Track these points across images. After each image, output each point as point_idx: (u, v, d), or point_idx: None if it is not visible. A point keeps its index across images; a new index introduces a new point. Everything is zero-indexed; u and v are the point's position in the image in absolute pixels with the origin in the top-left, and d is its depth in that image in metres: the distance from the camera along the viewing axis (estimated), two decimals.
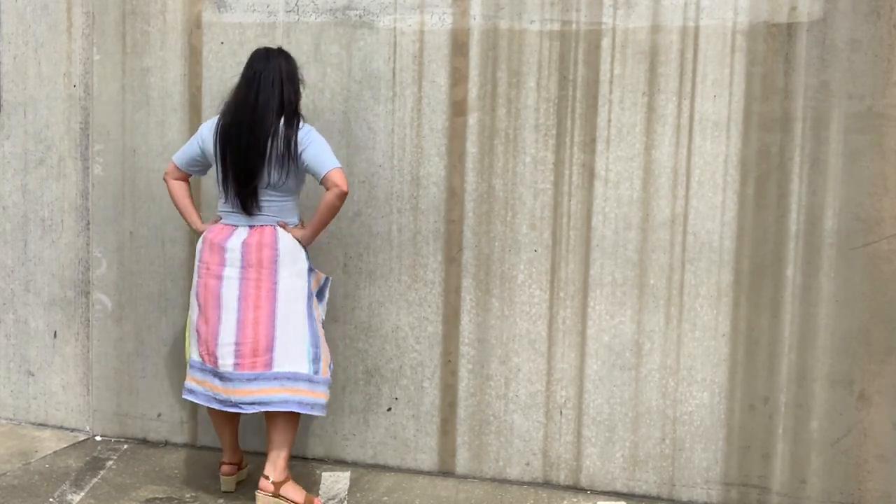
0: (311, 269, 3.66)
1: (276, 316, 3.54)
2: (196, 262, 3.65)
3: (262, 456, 4.04)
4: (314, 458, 4.14)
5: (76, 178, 4.33)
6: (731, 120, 3.66)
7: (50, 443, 4.28)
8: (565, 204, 3.83)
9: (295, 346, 3.56)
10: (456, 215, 3.93)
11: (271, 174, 3.53)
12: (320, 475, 3.99)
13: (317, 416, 4.02)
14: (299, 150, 3.51)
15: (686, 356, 3.77)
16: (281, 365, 3.54)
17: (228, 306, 3.55)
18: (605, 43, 3.74)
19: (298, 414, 3.60)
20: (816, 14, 3.55)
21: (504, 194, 3.87)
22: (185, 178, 3.74)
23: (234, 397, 3.54)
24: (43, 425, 4.48)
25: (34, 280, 4.44)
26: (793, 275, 3.64)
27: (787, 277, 3.65)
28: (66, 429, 4.44)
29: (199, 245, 3.66)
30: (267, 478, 3.53)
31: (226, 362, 3.54)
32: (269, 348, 3.54)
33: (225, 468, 3.79)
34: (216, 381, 3.58)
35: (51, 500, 3.68)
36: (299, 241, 3.62)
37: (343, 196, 3.49)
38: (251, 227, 3.59)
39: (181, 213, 3.75)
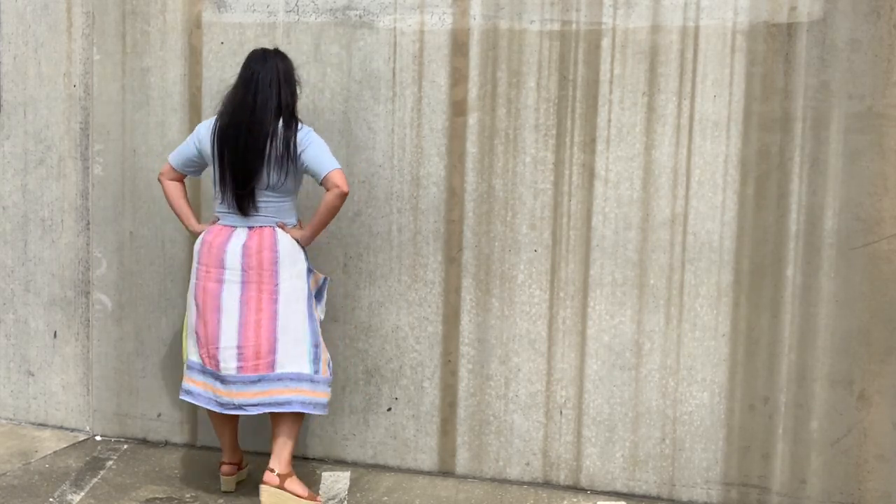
0: (309, 270, 3.66)
1: (278, 317, 3.55)
2: (194, 264, 3.64)
3: (262, 456, 4.04)
4: (314, 458, 4.14)
5: (76, 178, 4.33)
6: (731, 120, 3.66)
7: (50, 443, 4.28)
8: (565, 204, 3.83)
9: (296, 346, 3.57)
10: (456, 215, 3.93)
11: (270, 175, 3.53)
12: (320, 475, 3.99)
13: (317, 416, 4.03)
14: (298, 150, 3.52)
15: (686, 356, 3.77)
16: (283, 366, 3.55)
17: (229, 310, 3.55)
18: (605, 43, 3.74)
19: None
20: (816, 14, 3.55)
21: (504, 194, 3.87)
22: (181, 178, 3.74)
23: (238, 400, 3.55)
24: (43, 425, 4.49)
25: (34, 280, 4.44)
26: (793, 275, 3.65)
27: (787, 277, 3.65)
28: (66, 429, 4.44)
29: (197, 246, 3.65)
30: (272, 470, 3.53)
31: (228, 366, 3.54)
32: (272, 350, 3.54)
33: (225, 468, 3.79)
34: (217, 384, 3.58)
35: (51, 500, 3.68)
36: (298, 242, 3.62)
37: (343, 197, 3.50)
38: (250, 228, 3.59)
39: (177, 214, 3.75)
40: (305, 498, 3.57)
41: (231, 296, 3.55)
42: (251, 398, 3.55)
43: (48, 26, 4.31)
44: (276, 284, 3.55)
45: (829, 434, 3.66)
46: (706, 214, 3.70)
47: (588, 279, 3.83)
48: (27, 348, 4.49)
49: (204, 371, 3.62)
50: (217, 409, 3.61)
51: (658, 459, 3.83)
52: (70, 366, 4.42)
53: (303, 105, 3.94)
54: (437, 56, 3.88)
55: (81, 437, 4.36)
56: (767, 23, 3.60)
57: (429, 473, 4.04)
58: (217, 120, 3.60)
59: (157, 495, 3.75)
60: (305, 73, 3.97)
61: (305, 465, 4.05)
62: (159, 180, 3.75)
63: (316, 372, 3.59)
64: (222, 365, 3.55)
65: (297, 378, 3.55)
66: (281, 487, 3.52)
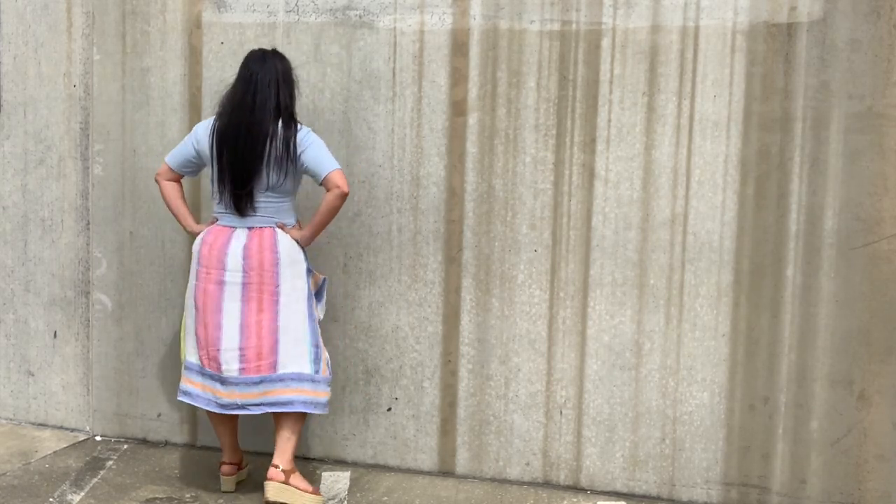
0: (309, 270, 3.67)
1: (279, 318, 3.56)
2: (194, 265, 3.64)
3: (262, 456, 4.05)
4: (314, 458, 4.14)
5: (76, 178, 4.33)
6: (731, 120, 3.66)
7: (50, 443, 4.28)
8: (565, 204, 3.83)
9: (297, 347, 3.58)
10: (456, 215, 3.93)
11: (269, 176, 3.54)
12: (320, 475, 3.99)
13: (317, 416, 4.04)
14: (298, 151, 3.53)
15: (686, 356, 3.77)
16: (285, 366, 3.56)
17: (230, 312, 3.55)
18: (605, 43, 3.74)
19: None
20: (816, 14, 3.55)
21: (504, 194, 3.87)
22: (178, 178, 3.74)
23: (240, 400, 3.57)
24: (43, 425, 4.49)
25: (34, 280, 4.44)
26: (793, 275, 3.65)
27: (787, 277, 3.65)
28: (66, 429, 4.44)
29: (196, 247, 3.65)
30: (276, 466, 3.55)
31: (230, 367, 3.55)
32: (274, 351, 3.55)
33: (225, 468, 3.79)
34: (218, 386, 3.59)
35: (51, 500, 3.68)
36: (298, 242, 3.63)
37: (344, 197, 3.51)
38: (250, 228, 3.59)
39: (175, 215, 3.75)
40: (310, 493, 3.59)
41: (232, 297, 3.55)
42: (254, 398, 3.57)
43: (48, 26, 4.31)
44: (277, 285, 3.55)
45: (829, 434, 3.66)
46: (706, 214, 3.70)
47: (588, 279, 3.83)
48: (27, 348, 4.49)
49: (202, 373, 3.62)
50: (218, 410, 3.62)
51: (658, 459, 3.83)
52: (70, 366, 4.42)
53: (303, 105, 3.94)
54: (437, 56, 3.88)
55: (81, 437, 4.36)
56: (767, 23, 3.60)
57: (429, 473, 4.04)
58: (216, 120, 3.60)
59: (157, 495, 3.75)
60: (305, 73, 3.98)
61: (306, 465, 4.05)
62: (156, 181, 3.75)
63: (316, 372, 3.61)
64: (224, 367, 3.56)
65: (298, 378, 3.57)
66: (286, 483, 3.54)
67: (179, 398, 3.71)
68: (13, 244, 4.46)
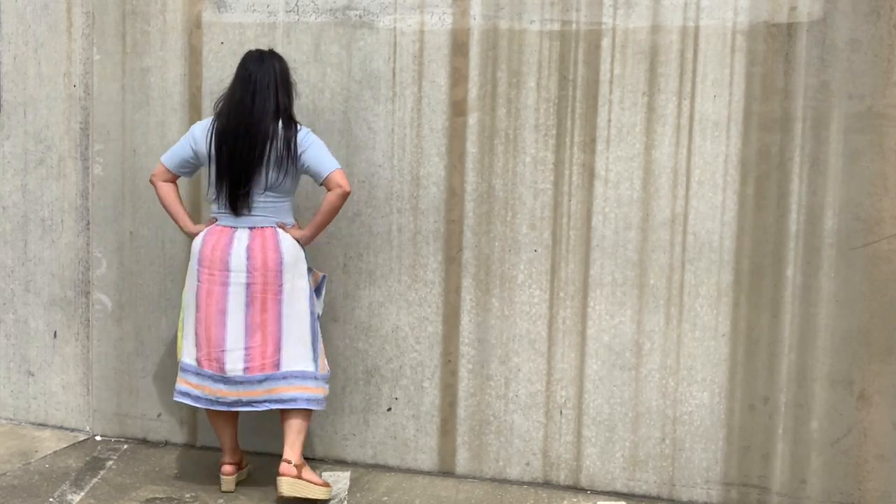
0: (309, 269, 3.69)
1: (283, 318, 3.60)
2: (194, 266, 3.64)
3: (262, 456, 4.05)
4: (314, 458, 4.14)
5: (76, 178, 4.33)
6: (731, 120, 3.66)
7: (50, 443, 4.28)
8: (565, 204, 3.83)
9: (300, 346, 3.62)
10: (456, 215, 3.93)
11: (269, 176, 3.55)
12: (320, 475, 3.99)
13: (317, 416, 4.04)
14: (299, 151, 3.55)
15: (686, 356, 3.77)
16: (288, 364, 3.61)
17: (235, 312, 3.57)
18: (605, 43, 3.74)
19: None
20: (816, 14, 3.55)
21: (504, 194, 3.87)
22: (174, 179, 3.74)
23: (246, 398, 3.61)
24: (43, 425, 4.48)
25: (34, 280, 4.44)
26: (793, 275, 3.64)
27: (787, 277, 3.65)
28: (66, 429, 4.44)
29: (196, 248, 3.65)
30: (289, 462, 3.59)
31: (235, 367, 3.57)
32: (278, 349, 3.59)
33: (225, 468, 3.79)
34: (220, 386, 3.61)
35: (51, 500, 3.68)
36: (299, 242, 3.64)
37: (346, 196, 3.55)
38: (251, 228, 3.61)
39: (172, 216, 3.75)
40: (321, 485, 3.65)
41: (236, 298, 3.57)
42: (258, 396, 3.61)
43: (48, 26, 4.31)
44: (281, 285, 3.58)
45: (829, 434, 3.66)
46: (706, 214, 3.70)
47: (588, 279, 3.83)
48: (27, 348, 4.49)
49: (199, 373, 3.63)
50: (220, 409, 3.64)
51: (658, 459, 3.83)
52: (70, 366, 4.42)
53: (303, 105, 3.95)
54: (437, 56, 3.88)
55: (81, 437, 4.36)
56: (767, 23, 3.60)
57: (429, 473, 4.04)
58: (214, 121, 3.61)
59: (157, 495, 3.75)
60: (305, 73, 3.98)
61: None
62: (152, 182, 3.75)
63: (316, 369, 3.66)
64: (228, 367, 3.57)
65: (301, 376, 3.61)
66: (298, 477, 3.59)
67: (176, 398, 3.71)
68: (13, 244, 4.46)
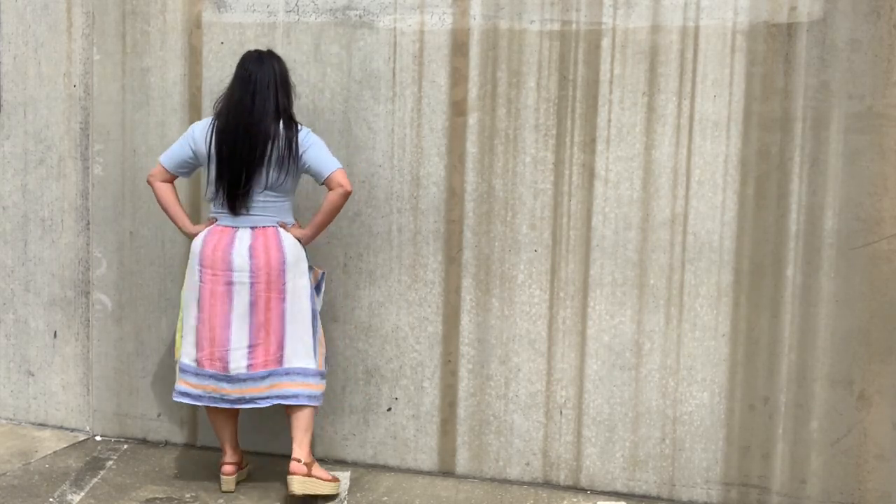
0: (309, 267, 3.71)
1: (286, 316, 3.62)
2: (195, 266, 3.64)
3: (263, 456, 4.05)
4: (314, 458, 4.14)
5: (76, 178, 4.33)
6: (731, 120, 3.66)
7: (50, 443, 4.28)
8: (565, 204, 3.83)
9: (303, 343, 3.66)
10: (456, 215, 3.93)
11: (269, 175, 3.57)
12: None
13: (316, 416, 4.04)
14: (300, 151, 3.56)
15: (686, 356, 3.77)
16: (291, 361, 3.64)
17: (240, 312, 3.59)
18: (605, 43, 3.74)
19: None
20: (816, 14, 3.55)
21: (504, 194, 3.87)
22: (172, 179, 3.74)
23: (249, 395, 3.64)
24: (43, 425, 4.48)
25: (34, 280, 4.44)
26: (793, 275, 3.64)
27: (787, 277, 3.65)
28: (66, 429, 4.44)
29: (196, 248, 3.65)
30: (298, 460, 3.61)
31: (239, 365, 3.59)
32: (281, 346, 3.63)
33: (226, 468, 3.79)
34: (223, 384, 3.62)
35: (51, 500, 3.68)
36: (300, 241, 3.66)
37: (347, 196, 3.58)
38: (252, 228, 3.62)
39: (171, 217, 3.75)
40: (330, 481, 3.70)
41: (240, 297, 3.59)
42: (261, 392, 3.64)
43: (48, 26, 4.31)
44: (284, 284, 3.60)
45: (829, 434, 3.66)
46: (706, 214, 3.70)
47: (588, 279, 3.83)
48: (27, 348, 4.49)
49: (198, 373, 3.64)
50: (225, 406, 3.66)
51: (658, 459, 3.83)
52: (70, 366, 4.42)
53: (303, 105, 3.95)
54: (437, 56, 3.88)
55: (81, 437, 4.36)
56: (767, 23, 3.60)
57: (429, 473, 4.04)
58: (214, 121, 3.62)
59: (157, 495, 3.75)
60: (305, 73, 3.98)
61: None
62: (149, 182, 3.74)
63: (316, 365, 3.69)
64: (232, 365, 3.59)
65: (303, 373, 3.65)
66: (309, 475, 3.62)
67: (176, 399, 3.71)
68: (13, 244, 4.46)
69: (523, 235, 3.87)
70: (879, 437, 3.61)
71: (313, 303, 3.70)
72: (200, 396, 3.66)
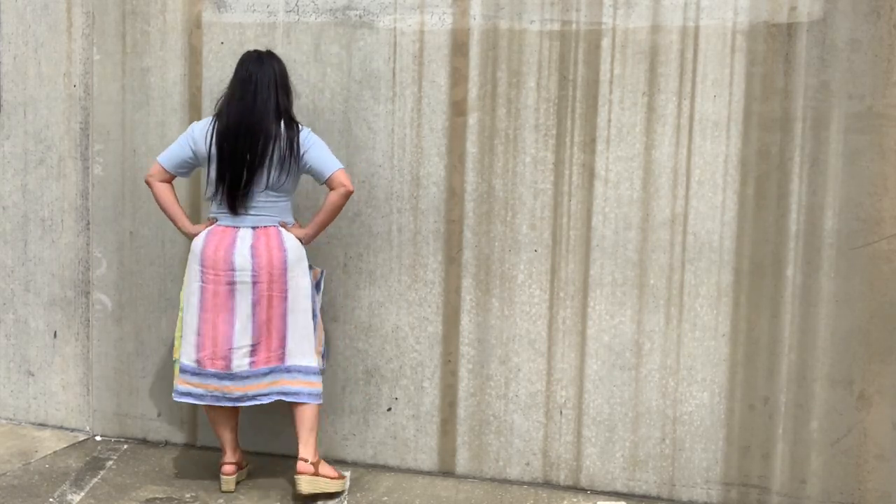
0: (309, 266, 3.72)
1: (288, 315, 3.64)
2: (196, 266, 3.64)
3: (262, 456, 4.05)
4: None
5: (76, 178, 4.33)
6: (731, 120, 3.66)
7: (50, 443, 4.28)
8: (565, 204, 3.83)
9: (304, 342, 3.67)
10: (456, 215, 3.93)
11: (270, 175, 3.57)
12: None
13: None
14: (301, 151, 3.57)
15: (686, 356, 3.77)
16: (293, 359, 3.66)
17: (243, 311, 3.60)
18: (605, 43, 3.74)
19: None
20: (816, 14, 3.55)
21: (504, 194, 3.87)
22: (170, 179, 3.74)
23: (251, 392, 3.65)
24: (43, 425, 4.49)
25: (34, 280, 4.44)
26: (793, 275, 3.65)
27: (787, 277, 3.65)
28: (66, 429, 4.44)
29: (197, 248, 3.65)
30: (305, 460, 3.63)
31: (241, 363, 3.61)
32: (282, 344, 3.64)
33: (226, 468, 3.79)
34: (225, 382, 3.64)
35: (51, 500, 3.68)
36: (300, 241, 3.67)
37: (349, 196, 3.60)
38: (254, 228, 3.63)
39: (171, 217, 3.74)
40: (337, 478, 3.72)
41: (243, 297, 3.60)
42: (263, 388, 3.66)
43: (48, 26, 4.31)
44: (286, 283, 3.62)
45: (829, 434, 3.66)
46: (706, 214, 3.70)
47: (588, 279, 3.83)
48: (27, 348, 4.49)
49: (198, 373, 3.64)
50: (228, 404, 3.67)
51: (658, 459, 3.83)
52: (70, 366, 4.42)
53: (303, 105, 3.95)
54: (437, 56, 3.88)
55: (81, 437, 4.36)
56: (767, 23, 3.60)
57: (429, 473, 4.04)
58: (214, 121, 3.62)
59: (157, 495, 3.76)
60: (305, 73, 3.98)
61: None
62: (147, 182, 3.74)
63: (315, 363, 3.70)
64: (235, 363, 3.60)
65: (305, 371, 3.66)
66: (316, 474, 3.64)
67: (177, 398, 3.71)
68: (13, 244, 4.46)
69: (523, 235, 3.87)
70: (879, 437, 3.61)
71: (313, 301, 3.71)
72: (203, 395, 3.66)
